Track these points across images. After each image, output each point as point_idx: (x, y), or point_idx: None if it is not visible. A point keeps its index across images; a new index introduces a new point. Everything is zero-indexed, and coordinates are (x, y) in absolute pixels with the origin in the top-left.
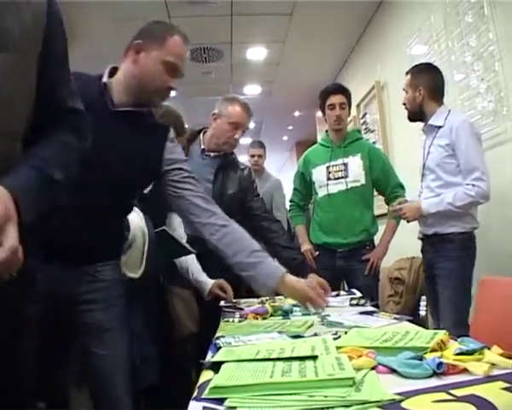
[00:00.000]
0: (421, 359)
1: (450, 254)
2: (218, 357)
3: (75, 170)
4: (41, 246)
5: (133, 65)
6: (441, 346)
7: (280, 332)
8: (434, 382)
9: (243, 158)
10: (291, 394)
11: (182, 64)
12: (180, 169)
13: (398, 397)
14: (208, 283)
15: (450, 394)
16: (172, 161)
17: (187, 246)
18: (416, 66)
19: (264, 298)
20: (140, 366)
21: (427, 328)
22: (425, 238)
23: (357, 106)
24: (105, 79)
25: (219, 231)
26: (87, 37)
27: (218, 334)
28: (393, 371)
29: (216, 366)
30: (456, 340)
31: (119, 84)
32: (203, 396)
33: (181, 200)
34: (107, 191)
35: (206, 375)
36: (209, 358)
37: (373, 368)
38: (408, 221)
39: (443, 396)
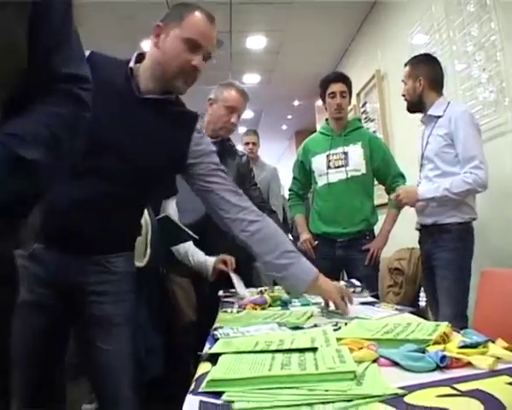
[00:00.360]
0: (423, 351)
1: (447, 244)
2: (215, 349)
3: (67, 145)
4: (52, 233)
5: (155, 48)
6: (444, 338)
7: (279, 323)
8: (438, 375)
9: (238, 148)
10: (290, 387)
11: (205, 42)
12: (208, 162)
13: (400, 391)
14: (210, 261)
15: (455, 388)
16: (199, 153)
17: (188, 231)
18: (414, 57)
19: (263, 288)
20: (145, 358)
21: (428, 319)
22: (423, 229)
23: (358, 95)
24: (131, 65)
25: (249, 228)
26: (87, 36)
27: (216, 324)
28: (395, 363)
29: (213, 358)
30: (458, 332)
31: (146, 71)
32: (200, 390)
33: (209, 194)
34: (134, 179)
35: (203, 367)
36: (207, 349)
37: (374, 361)
38: (402, 205)
39: (447, 391)
